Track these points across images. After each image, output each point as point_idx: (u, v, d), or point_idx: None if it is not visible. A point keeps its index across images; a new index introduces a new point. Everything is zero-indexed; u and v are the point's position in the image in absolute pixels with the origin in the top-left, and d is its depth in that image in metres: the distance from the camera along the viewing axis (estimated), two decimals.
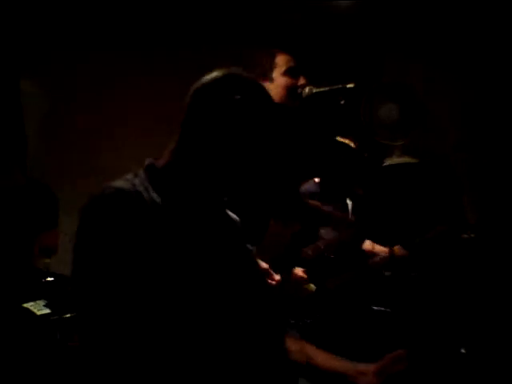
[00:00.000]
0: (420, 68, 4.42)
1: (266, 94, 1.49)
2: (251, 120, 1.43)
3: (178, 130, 1.48)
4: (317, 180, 3.35)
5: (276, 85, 2.67)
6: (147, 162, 1.49)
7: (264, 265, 2.55)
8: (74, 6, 4.07)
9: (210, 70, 1.52)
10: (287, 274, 2.73)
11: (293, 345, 1.68)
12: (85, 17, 4.14)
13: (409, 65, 4.43)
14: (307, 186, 3.25)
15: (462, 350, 2.92)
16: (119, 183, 1.40)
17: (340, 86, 2.53)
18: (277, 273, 2.57)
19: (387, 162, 3.89)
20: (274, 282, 2.53)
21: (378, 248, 3.43)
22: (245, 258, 1.57)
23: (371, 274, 3.18)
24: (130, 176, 1.44)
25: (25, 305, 2.80)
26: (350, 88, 2.50)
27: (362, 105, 3.58)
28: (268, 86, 2.70)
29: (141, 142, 4.22)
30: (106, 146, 4.24)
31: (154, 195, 1.40)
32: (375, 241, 3.49)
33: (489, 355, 2.93)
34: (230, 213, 1.62)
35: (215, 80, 1.46)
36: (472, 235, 3.46)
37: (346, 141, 3.14)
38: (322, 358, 1.78)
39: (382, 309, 2.95)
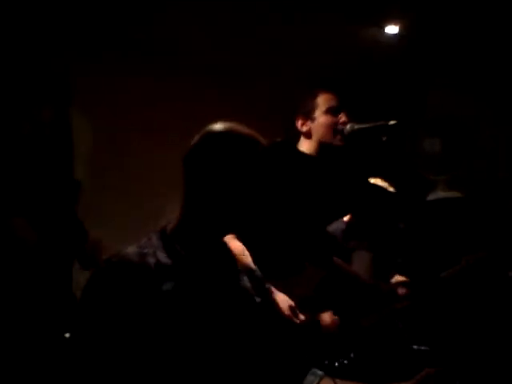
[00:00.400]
0: (466, 100, 4.37)
1: (243, 142, 1.56)
2: (236, 168, 1.52)
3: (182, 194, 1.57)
4: (345, 219, 3.32)
5: (318, 124, 2.68)
6: (159, 227, 1.58)
7: (291, 302, 2.55)
8: (121, 38, 4.16)
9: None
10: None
11: None
12: (129, 48, 4.22)
13: (454, 97, 4.38)
14: (336, 225, 3.22)
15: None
16: (127, 250, 1.50)
17: (382, 122, 2.51)
18: (303, 313, 2.58)
19: (431, 197, 3.84)
20: (298, 321, 2.53)
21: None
22: (252, 316, 1.63)
23: (402, 313, 3.12)
24: (143, 241, 1.54)
25: (67, 335, 2.82)
26: (392, 125, 2.48)
27: (406, 139, 3.55)
28: (310, 125, 2.72)
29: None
30: (147, 176, 4.29)
31: (162, 256, 1.49)
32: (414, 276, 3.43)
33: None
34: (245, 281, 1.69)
35: (194, 148, 1.56)
36: None
37: (384, 183, 3.11)
38: None
39: (422, 348, 2.89)
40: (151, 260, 1.48)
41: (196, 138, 1.58)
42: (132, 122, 4.32)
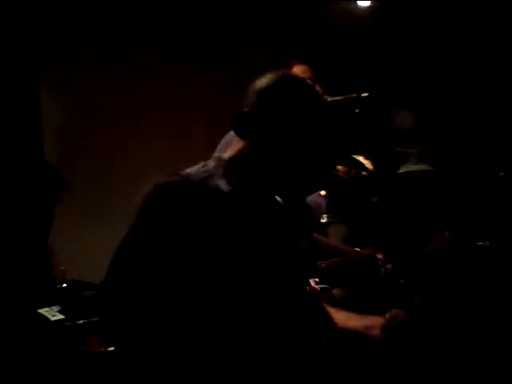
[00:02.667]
0: (439, 75, 4.40)
1: (320, 97, 1.61)
2: (318, 121, 1.53)
3: (242, 129, 1.52)
4: (322, 193, 3.34)
5: None
6: (215, 154, 1.61)
7: None
8: (93, 16, 4.10)
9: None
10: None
11: None
12: (102, 26, 4.17)
13: (428, 72, 4.41)
14: (314, 199, 3.23)
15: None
16: (186, 172, 1.46)
17: (355, 94, 2.52)
18: None
19: (403, 169, 3.88)
20: None
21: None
22: (291, 249, 1.62)
23: (381, 283, 3.16)
24: (198, 166, 1.49)
25: (39, 310, 2.82)
26: (364, 97, 2.49)
27: (378, 112, 3.57)
28: None
29: (153, 148, 4.25)
30: (118, 155, 4.26)
31: (220, 182, 1.45)
32: (387, 249, 3.46)
33: (505, 363, 2.92)
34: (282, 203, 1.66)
35: (275, 85, 1.54)
36: (487, 243, 3.44)
37: (364, 160, 3.13)
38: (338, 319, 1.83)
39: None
40: (211, 183, 1.44)
41: (272, 76, 1.56)
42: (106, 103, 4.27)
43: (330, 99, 2.65)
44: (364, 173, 3.12)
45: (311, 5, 4.14)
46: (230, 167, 1.50)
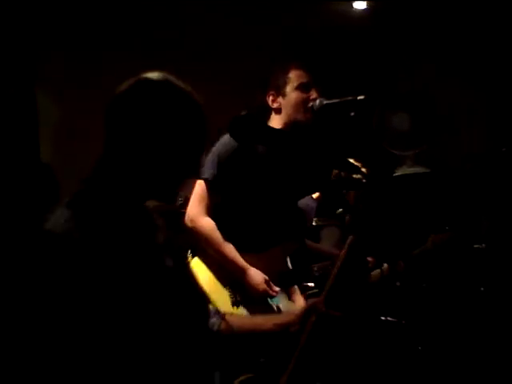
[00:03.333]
0: (436, 77, 4.40)
1: (173, 94, 1.45)
2: (163, 124, 1.40)
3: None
4: (315, 196, 3.34)
5: (288, 100, 2.68)
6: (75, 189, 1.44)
7: (264, 276, 2.58)
8: (88, 18, 4.10)
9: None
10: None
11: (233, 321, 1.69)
12: (98, 27, 4.16)
13: (423, 74, 4.41)
14: (306, 202, 3.23)
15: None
16: (50, 225, 1.34)
17: (351, 97, 2.52)
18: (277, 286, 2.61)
19: (398, 172, 3.88)
20: (274, 294, 2.57)
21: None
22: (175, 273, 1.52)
23: (374, 286, 3.16)
24: (58, 212, 1.37)
25: None
26: (360, 100, 2.49)
27: (374, 114, 3.56)
28: (280, 101, 2.72)
29: None
30: None
31: (81, 225, 1.34)
32: (382, 252, 3.47)
33: (500, 365, 2.92)
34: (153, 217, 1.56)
35: (126, 90, 1.44)
36: (483, 245, 3.44)
37: (357, 163, 3.12)
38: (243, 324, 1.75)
39: (390, 319, 2.94)
40: (75, 232, 1.32)
41: (126, 83, 1.45)
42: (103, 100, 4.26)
43: (326, 102, 2.66)
44: (356, 176, 3.11)
45: (308, 6, 4.13)
46: (88, 199, 1.39)
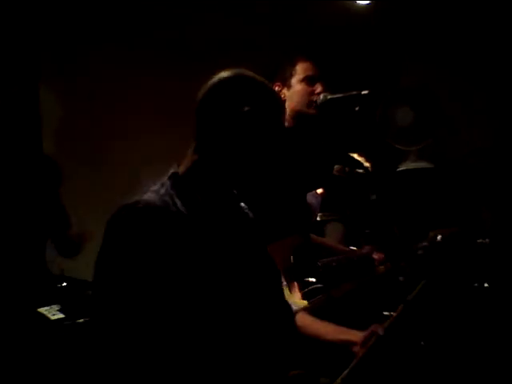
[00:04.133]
0: (438, 72, 4.39)
1: (273, 94, 1.53)
2: (262, 124, 1.47)
3: (194, 134, 1.53)
4: (319, 191, 3.34)
5: (293, 91, 2.68)
6: (171, 170, 1.52)
7: None
8: (92, 16, 4.09)
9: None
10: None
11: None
12: (101, 26, 4.16)
13: (426, 69, 4.41)
14: (310, 199, 3.24)
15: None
16: (148, 196, 1.42)
17: (355, 92, 2.52)
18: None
19: (402, 167, 3.88)
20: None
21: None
22: (262, 257, 1.63)
23: (377, 281, 3.16)
24: (156, 187, 1.46)
25: (39, 309, 2.81)
26: (365, 95, 2.49)
27: (378, 109, 3.56)
28: (285, 93, 2.71)
29: (153, 142, 4.24)
30: (118, 154, 4.25)
31: (179, 204, 1.43)
32: (386, 246, 3.47)
33: (504, 362, 2.92)
34: (246, 209, 1.67)
35: (222, 84, 1.50)
36: (487, 240, 3.44)
37: (360, 158, 3.12)
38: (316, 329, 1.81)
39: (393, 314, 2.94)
40: (172, 207, 1.42)
41: (205, 86, 1.51)
42: (105, 99, 4.27)
43: (330, 96, 2.66)
44: (360, 170, 3.12)
45: (311, 3, 4.13)
46: (185, 183, 1.48)
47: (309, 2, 4.13)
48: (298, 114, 2.69)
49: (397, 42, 4.54)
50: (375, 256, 3.08)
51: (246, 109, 1.45)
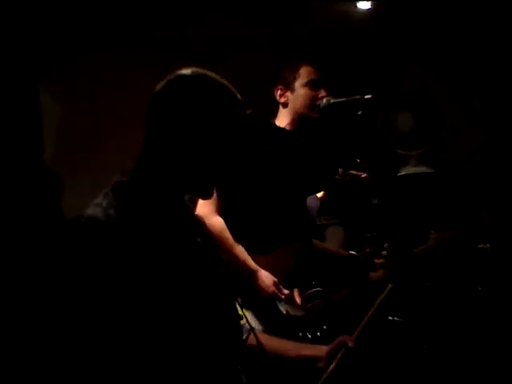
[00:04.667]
0: (438, 75, 4.40)
1: (234, 98, 1.46)
2: (214, 126, 1.40)
3: (143, 135, 1.47)
4: (319, 195, 3.34)
5: (296, 95, 2.69)
6: (114, 178, 1.47)
7: (274, 279, 2.57)
8: (92, 18, 4.09)
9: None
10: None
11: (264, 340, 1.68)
12: (101, 28, 4.16)
13: (427, 71, 4.41)
14: (309, 202, 3.23)
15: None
16: (91, 210, 1.37)
17: (358, 96, 2.52)
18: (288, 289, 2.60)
19: (403, 172, 3.88)
20: (283, 297, 2.55)
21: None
22: (210, 271, 1.55)
23: (376, 285, 3.16)
24: (99, 199, 1.41)
25: None
26: (367, 99, 2.49)
27: (379, 114, 3.57)
28: (288, 96, 2.72)
29: None
30: (118, 153, 4.24)
31: (122, 216, 1.36)
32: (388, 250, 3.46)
33: (505, 366, 2.92)
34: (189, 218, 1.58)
35: (163, 88, 1.44)
36: (488, 245, 3.44)
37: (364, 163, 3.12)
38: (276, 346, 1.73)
39: (396, 319, 2.94)
40: (115, 221, 1.36)
41: (164, 80, 1.45)
42: (105, 99, 4.26)
43: (333, 100, 2.66)
44: (362, 175, 3.12)
45: (311, 6, 4.13)
46: (129, 192, 1.41)
47: (310, 6, 4.14)
48: (301, 117, 2.70)
49: (397, 46, 4.55)
50: (376, 260, 3.09)
51: (202, 110, 1.39)
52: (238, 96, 1.46)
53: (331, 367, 1.63)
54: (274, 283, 2.55)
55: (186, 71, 1.45)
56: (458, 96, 4.30)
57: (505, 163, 4.18)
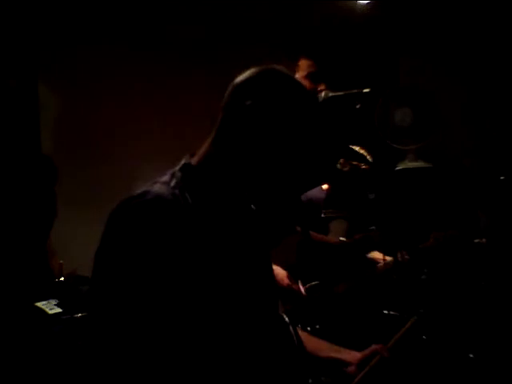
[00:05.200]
0: (435, 72, 4.41)
1: (304, 91, 1.40)
2: (292, 122, 1.34)
3: (214, 129, 1.41)
4: (324, 187, 3.34)
5: None
6: (183, 160, 1.42)
7: (286, 272, 2.59)
8: (90, 13, 4.09)
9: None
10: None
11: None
12: (100, 22, 4.16)
13: (424, 69, 4.42)
14: (314, 193, 3.23)
15: (471, 355, 2.92)
16: (158, 188, 1.33)
17: (356, 90, 2.52)
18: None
19: (400, 166, 3.89)
20: (296, 288, 2.57)
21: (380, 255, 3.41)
22: (264, 260, 1.55)
23: (378, 279, 3.17)
24: (166, 178, 1.37)
25: (37, 304, 2.81)
26: (366, 93, 2.49)
27: (376, 109, 3.57)
28: None
29: (152, 140, 4.24)
30: (117, 150, 4.25)
31: (189, 197, 1.33)
32: (385, 245, 3.47)
33: (498, 361, 2.93)
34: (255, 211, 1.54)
35: (251, 78, 1.38)
36: (484, 240, 3.45)
37: (363, 151, 3.11)
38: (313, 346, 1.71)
39: (392, 313, 2.95)
40: (182, 200, 1.32)
41: (253, 70, 1.39)
42: (104, 96, 4.26)
43: (331, 94, 2.66)
44: (363, 166, 3.12)
45: (311, 1, 4.14)
46: (197, 175, 1.38)
47: (309, 0, 4.14)
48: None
49: (395, 40, 4.56)
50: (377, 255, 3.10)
51: (276, 110, 1.33)
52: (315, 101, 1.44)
53: (360, 375, 1.61)
54: (287, 275, 2.57)
55: (278, 67, 1.39)
56: (456, 91, 4.31)
57: (501, 158, 4.19)
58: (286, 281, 2.56)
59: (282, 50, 3.15)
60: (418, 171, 3.87)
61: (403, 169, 3.87)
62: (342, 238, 3.07)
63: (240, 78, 1.39)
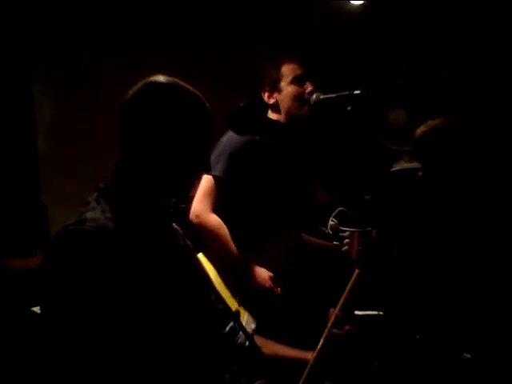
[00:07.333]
0: (432, 72, 4.41)
1: (186, 95, 1.50)
2: (176, 126, 1.45)
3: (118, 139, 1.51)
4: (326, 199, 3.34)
5: (284, 95, 2.69)
6: (100, 185, 1.52)
7: (270, 274, 2.58)
8: (84, 14, 4.10)
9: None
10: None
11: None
12: (93, 24, 4.17)
13: (419, 69, 4.42)
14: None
15: (468, 355, 2.91)
16: (92, 214, 1.40)
17: (347, 92, 2.53)
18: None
19: (396, 167, 3.88)
20: (278, 291, 2.56)
21: None
22: (190, 269, 1.61)
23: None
24: (94, 204, 1.45)
25: (33, 308, 2.82)
26: (357, 94, 2.50)
27: (371, 110, 3.57)
28: (277, 97, 2.72)
29: None
30: (113, 146, 4.25)
31: (117, 220, 1.41)
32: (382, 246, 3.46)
33: (497, 361, 2.92)
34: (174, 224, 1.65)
35: (134, 96, 1.50)
36: (493, 234, 3.43)
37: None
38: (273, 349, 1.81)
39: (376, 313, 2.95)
40: (113, 226, 1.40)
41: (136, 86, 1.50)
42: (100, 97, 4.27)
43: (322, 96, 2.67)
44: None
45: (304, 2, 4.15)
46: (115, 196, 1.47)
47: (302, 1, 4.15)
48: (291, 118, 2.70)
49: (390, 42, 4.56)
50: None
51: (174, 117, 1.44)
52: (208, 105, 1.51)
53: (314, 353, 1.73)
54: (270, 278, 2.57)
55: (159, 78, 1.51)
56: (451, 91, 4.31)
57: (498, 157, 4.18)
58: (269, 283, 2.55)
59: (282, 49, 3.15)
60: (413, 172, 3.85)
61: (399, 170, 3.87)
62: (335, 242, 3.06)
63: (125, 97, 1.52)
